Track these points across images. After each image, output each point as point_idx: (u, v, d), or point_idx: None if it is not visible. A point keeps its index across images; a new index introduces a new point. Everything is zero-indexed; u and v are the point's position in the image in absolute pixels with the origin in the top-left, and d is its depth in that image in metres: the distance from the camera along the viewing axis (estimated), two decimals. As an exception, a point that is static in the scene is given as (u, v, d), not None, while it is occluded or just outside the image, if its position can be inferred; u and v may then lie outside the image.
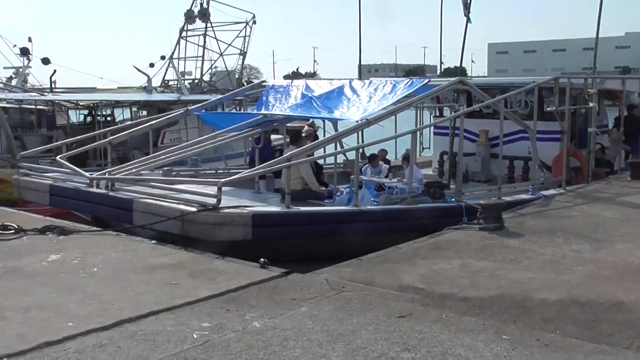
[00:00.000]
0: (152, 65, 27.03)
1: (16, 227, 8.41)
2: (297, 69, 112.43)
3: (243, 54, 29.22)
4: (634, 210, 10.46)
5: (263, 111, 13.11)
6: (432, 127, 16.20)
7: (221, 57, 28.45)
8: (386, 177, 12.75)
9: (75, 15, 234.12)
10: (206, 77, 28.89)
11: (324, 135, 15.17)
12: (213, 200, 8.55)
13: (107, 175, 10.38)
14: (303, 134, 12.47)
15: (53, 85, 23.63)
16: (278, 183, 11.53)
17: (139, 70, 24.59)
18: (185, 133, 19.54)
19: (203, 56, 28.20)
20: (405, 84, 11.84)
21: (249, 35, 28.97)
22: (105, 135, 13.13)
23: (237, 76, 29.52)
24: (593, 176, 13.36)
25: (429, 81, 12.53)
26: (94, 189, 10.31)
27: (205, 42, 27.96)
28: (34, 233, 8.34)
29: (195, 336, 5.00)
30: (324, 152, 12.94)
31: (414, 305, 5.80)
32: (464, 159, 11.85)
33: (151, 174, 11.49)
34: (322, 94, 12.64)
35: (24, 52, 23.74)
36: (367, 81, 12.66)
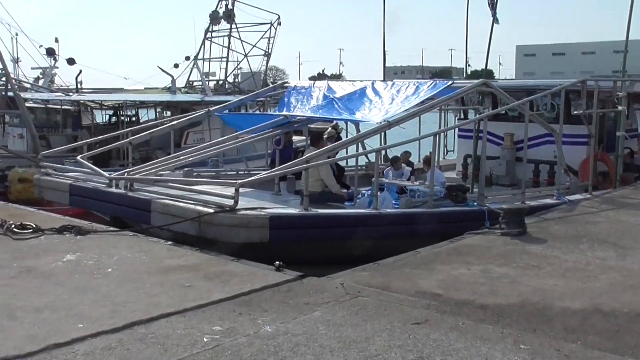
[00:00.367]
0: (176, 65, 27.32)
1: (34, 226, 8.44)
2: (322, 71, 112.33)
3: (267, 55, 29.29)
4: (662, 217, 10.18)
5: (284, 112, 13.06)
6: (456, 130, 16.02)
7: (246, 58, 28.54)
8: (408, 179, 12.61)
9: (100, 15, 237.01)
10: (230, 79, 28.99)
11: (347, 137, 15.05)
12: (230, 202, 8.47)
13: (126, 176, 10.38)
14: (325, 136, 12.38)
15: (79, 86, 23.91)
16: (299, 185, 11.43)
17: (163, 70, 24.82)
18: (208, 134, 19.57)
19: (227, 57, 28.38)
20: (429, 86, 11.66)
21: (274, 37, 29.09)
22: (127, 135, 13.17)
23: (262, 77, 29.56)
24: (621, 181, 13.17)
25: (452, 83, 12.35)
26: (113, 189, 10.30)
27: (230, 43, 28.12)
28: (52, 233, 8.36)
29: (205, 340, 4.92)
30: (346, 153, 12.83)
31: (430, 312, 5.65)
32: (488, 162, 11.65)
33: (172, 175, 11.47)
34: (344, 96, 12.54)
35: (50, 52, 24.06)
36: (389, 83, 12.51)
